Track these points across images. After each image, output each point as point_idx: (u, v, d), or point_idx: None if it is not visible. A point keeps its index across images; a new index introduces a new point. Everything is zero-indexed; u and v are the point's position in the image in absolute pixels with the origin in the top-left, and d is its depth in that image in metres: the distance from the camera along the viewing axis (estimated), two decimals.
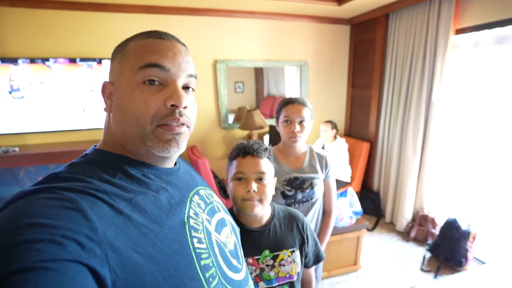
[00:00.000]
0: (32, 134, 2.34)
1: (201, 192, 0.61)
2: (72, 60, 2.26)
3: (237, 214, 0.86)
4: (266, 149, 0.85)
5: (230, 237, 0.63)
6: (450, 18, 2.11)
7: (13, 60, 2.12)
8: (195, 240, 0.48)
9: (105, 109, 0.53)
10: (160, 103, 0.47)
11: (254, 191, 0.78)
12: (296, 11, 2.77)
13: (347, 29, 3.20)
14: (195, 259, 0.46)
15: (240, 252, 0.66)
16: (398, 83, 2.67)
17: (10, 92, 2.15)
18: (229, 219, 0.68)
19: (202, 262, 0.47)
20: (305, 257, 0.91)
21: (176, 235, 0.45)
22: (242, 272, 0.60)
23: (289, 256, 0.85)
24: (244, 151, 0.82)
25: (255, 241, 0.83)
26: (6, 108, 2.16)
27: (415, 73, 2.43)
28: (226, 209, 0.71)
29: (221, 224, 0.61)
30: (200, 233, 0.51)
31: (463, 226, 2.15)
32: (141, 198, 0.45)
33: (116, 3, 2.31)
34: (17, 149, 2.16)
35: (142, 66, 0.47)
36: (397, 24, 2.62)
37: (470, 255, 2.10)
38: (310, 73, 3.16)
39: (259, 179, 0.81)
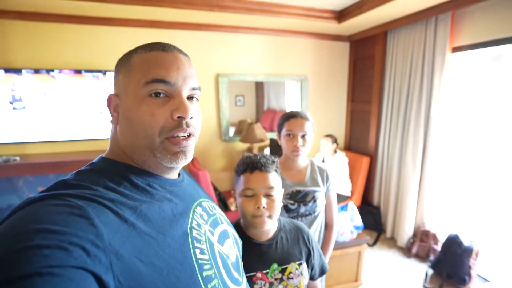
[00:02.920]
0: (33, 144, 2.35)
1: (204, 204, 0.62)
2: (77, 72, 2.29)
3: (244, 227, 0.86)
4: (273, 162, 0.85)
5: (233, 249, 0.63)
6: (446, 36, 2.17)
7: (17, 70, 2.10)
8: (197, 250, 0.48)
9: (111, 121, 0.54)
10: (167, 115, 0.49)
11: (263, 207, 0.78)
12: (297, 28, 2.85)
13: (347, 46, 3.28)
14: (197, 269, 0.46)
15: (241, 265, 0.66)
16: (397, 98, 2.71)
17: (11, 103, 2.14)
18: (232, 231, 0.68)
19: (204, 273, 0.47)
20: (311, 269, 0.91)
21: (179, 245, 0.45)
22: (242, 285, 0.60)
23: (296, 269, 0.85)
24: (252, 166, 0.81)
25: (263, 254, 0.82)
26: (7, 118, 2.16)
27: (414, 88, 2.47)
28: (229, 221, 0.71)
29: (223, 236, 0.61)
30: (203, 244, 0.51)
31: (465, 242, 2.12)
32: (146, 207, 0.46)
33: (122, 18, 2.37)
34: (17, 158, 2.16)
35: (148, 81, 0.48)
36: (395, 42, 2.69)
37: (473, 272, 2.06)
38: (310, 87, 3.21)
39: (268, 195, 0.80)
